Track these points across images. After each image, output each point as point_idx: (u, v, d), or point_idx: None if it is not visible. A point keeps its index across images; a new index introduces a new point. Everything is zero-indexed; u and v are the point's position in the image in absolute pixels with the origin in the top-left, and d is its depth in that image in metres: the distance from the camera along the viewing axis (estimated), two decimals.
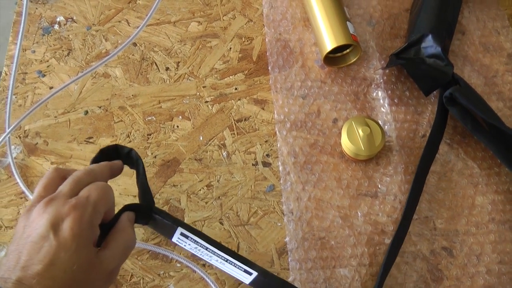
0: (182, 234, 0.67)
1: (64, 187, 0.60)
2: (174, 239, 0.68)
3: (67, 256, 0.54)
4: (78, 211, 0.56)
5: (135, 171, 0.69)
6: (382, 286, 0.71)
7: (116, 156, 0.70)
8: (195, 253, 0.70)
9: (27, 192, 0.79)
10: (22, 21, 0.82)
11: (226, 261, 0.68)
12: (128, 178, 0.80)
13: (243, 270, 0.68)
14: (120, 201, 0.78)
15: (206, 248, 0.67)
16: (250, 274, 0.67)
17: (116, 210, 0.65)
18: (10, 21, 2.33)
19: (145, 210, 0.66)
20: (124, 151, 0.70)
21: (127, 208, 0.66)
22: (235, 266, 0.68)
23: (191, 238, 0.67)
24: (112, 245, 0.60)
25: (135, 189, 0.76)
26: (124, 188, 0.80)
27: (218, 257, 0.68)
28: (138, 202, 0.68)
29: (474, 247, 0.74)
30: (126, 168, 0.78)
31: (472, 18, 0.90)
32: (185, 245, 0.69)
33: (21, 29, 0.82)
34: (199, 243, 0.67)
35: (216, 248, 0.67)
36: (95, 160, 0.68)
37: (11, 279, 0.52)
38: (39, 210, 0.57)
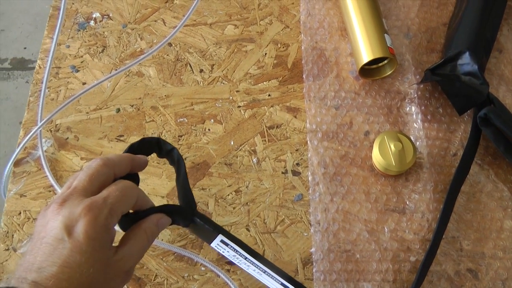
0: (222, 241, 0.67)
1: (79, 182, 0.58)
2: (213, 245, 0.68)
3: (83, 259, 0.53)
4: (92, 213, 0.55)
5: (174, 172, 0.68)
6: None
7: (158, 150, 0.69)
8: (232, 260, 0.70)
9: (55, 186, 0.80)
10: (60, 16, 0.82)
11: (264, 272, 0.68)
12: (157, 179, 0.81)
13: (280, 283, 0.68)
14: None
15: (245, 258, 0.67)
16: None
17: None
18: (41, 11, 2.34)
19: (187, 214, 0.65)
20: (167, 147, 0.68)
21: (168, 208, 0.65)
22: (273, 278, 0.68)
23: (231, 246, 0.67)
24: (131, 244, 0.59)
25: (163, 190, 0.77)
26: (152, 188, 0.80)
27: (256, 267, 0.68)
28: (178, 203, 0.67)
29: (500, 271, 0.74)
30: (155, 168, 0.79)
31: (510, 36, 0.89)
32: (223, 252, 0.69)
33: (58, 24, 0.82)
34: (238, 252, 0.67)
35: (255, 259, 0.67)
36: (132, 147, 0.67)
37: (27, 280, 0.52)
38: (53, 210, 0.56)
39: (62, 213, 0.55)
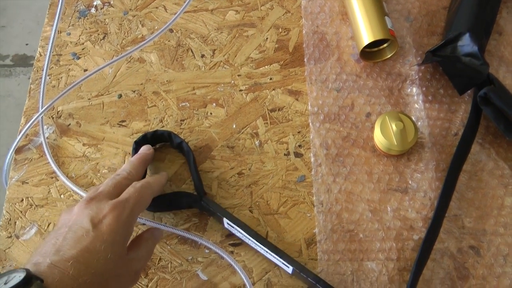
0: (228, 224, 0.73)
1: (105, 188, 0.66)
2: (226, 226, 0.74)
3: (102, 247, 0.58)
4: (117, 210, 0.62)
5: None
6: (416, 286, 0.71)
7: (170, 141, 0.80)
8: (243, 239, 0.74)
9: (58, 172, 0.80)
10: (60, 3, 0.82)
11: (266, 252, 0.71)
12: (160, 163, 0.82)
13: (281, 263, 0.71)
14: None
15: (249, 239, 0.72)
16: (288, 267, 0.70)
17: (169, 191, 0.78)
18: (42, 6, 2.35)
19: (196, 199, 0.76)
20: (177, 140, 0.78)
21: (180, 194, 0.76)
22: (275, 258, 0.71)
23: (236, 229, 0.72)
24: (143, 247, 0.67)
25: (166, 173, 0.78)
26: (156, 172, 0.81)
27: (260, 248, 0.72)
28: (181, 186, 0.79)
29: (501, 247, 0.74)
30: (158, 153, 0.80)
31: (510, 19, 0.89)
32: (235, 232, 0.74)
33: (58, 10, 0.82)
34: (242, 233, 0.72)
35: (256, 240, 0.71)
36: (145, 136, 0.79)
37: (45, 263, 0.55)
38: (81, 206, 0.63)
39: (90, 207, 0.62)
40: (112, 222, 0.61)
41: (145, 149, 0.76)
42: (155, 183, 0.71)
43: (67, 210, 0.65)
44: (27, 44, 2.30)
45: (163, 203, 0.76)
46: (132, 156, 0.78)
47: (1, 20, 2.37)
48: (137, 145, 0.78)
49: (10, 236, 0.78)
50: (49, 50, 0.84)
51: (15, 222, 0.79)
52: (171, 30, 0.91)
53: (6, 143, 2.15)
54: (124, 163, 0.81)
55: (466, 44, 0.80)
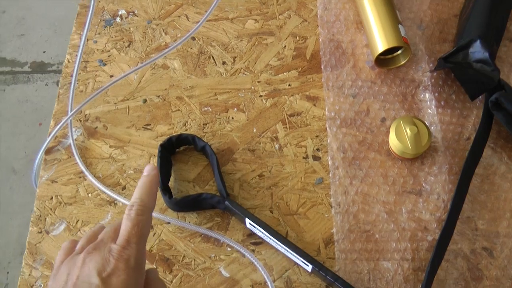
0: (250, 224, 0.75)
1: (105, 234, 0.62)
2: (247, 226, 0.77)
3: None
4: (123, 259, 0.56)
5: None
6: (431, 285, 0.73)
7: (194, 144, 0.82)
8: (263, 238, 0.77)
9: (86, 172, 0.83)
10: (89, 13, 0.85)
11: (287, 251, 0.74)
12: (184, 165, 0.84)
13: (301, 261, 0.73)
14: (176, 186, 0.83)
15: (270, 238, 0.74)
16: (307, 265, 0.73)
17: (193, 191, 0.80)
18: (60, 15, 2.39)
19: (219, 200, 0.77)
20: (200, 143, 0.81)
21: (204, 196, 0.78)
22: (295, 257, 0.74)
23: (257, 228, 0.75)
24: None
25: (189, 175, 0.83)
26: (179, 174, 0.83)
27: (280, 247, 0.75)
28: (203, 187, 0.82)
29: None
30: (181, 155, 0.83)
31: None
32: (257, 232, 0.76)
33: (88, 21, 0.85)
34: (263, 233, 0.75)
35: (277, 240, 0.74)
36: (170, 140, 0.82)
37: None
38: (84, 258, 0.57)
39: (94, 259, 0.57)
40: (123, 275, 0.56)
41: (149, 169, 0.67)
42: (149, 198, 0.64)
43: (68, 261, 0.59)
44: (44, 52, 2.33)
45: (188, 204, 0.79)
46: (157, 163, 0.80)
47: (20, 29, 2.41)
48: (163, 148, 0.81)
49: (41, 232, 0.81)
50: (78, 57, 0.87)
51: (45, 219, 0.81)
52: (193, 38, 0.94)
53: (23, 147, 2.18)
54: (149, 164, 0.83)
55: (477, 50, 0.82)
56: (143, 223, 0.61)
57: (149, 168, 0.67)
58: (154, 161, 0.84)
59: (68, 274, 0.57)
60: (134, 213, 0.60)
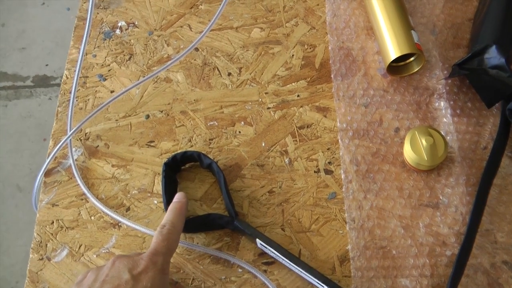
0: (261, 244, 0.73)
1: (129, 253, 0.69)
2: (259, 246, 0.75)
3: None
4: (152, 263, 0.63)
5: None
6: None
7: (199, 161, 0.80)
8: (276, 258, 0.74)
9: (88, 194, 0.81)
10: (87, 26, 0.83)
11: (300, 271, 0.72)
12: (190, 183, 0.82)
13: (315, 281, 0.71)
14: None
15: (283, 259, 0.72)
16: (322, 286, 0.71)
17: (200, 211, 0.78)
18: (61, 27, 2.38)
19: (228, 221, 0.76)
20: (206, 161, 0.79)
21: (213, 217, 0.76)
22: (309, 277, 0.72)
23: (269, 249, 0.73)
24: None
25: (196, 193, 0.81)
26: (186, 192, 0.81)
27: (294, 267, 0.72)
28: (211, 206, 0.80)
29: None
30: (188, 173, 0.80)
31: None
32: (268, 252, 0.74)
33: (85, 34, 0.83)
34: (275, 253, 0.72)
35: (290, 261, 0.72)
36: (175, 157, 0.79)
37: None
38: (113, 261, 0.64)
39: (125, 261, 0.63)
40: (152, 274, 0.62)
41: (180, 197, 0.75)
42: (179, 222, 0.71)
43: (94, 268, 0.65)
44: (47, 65, 2.33)
45: (196, 225, 0.77)
46: (162, 182, 0.79)
47: (21, 42, 2.40)
48: (167, 167, 0.79)
49: (42, 259, 0.78)
50: (76, 73, 0.85)
51: (46, 245, 0.79)
52: (196, 49, 0.91)
53: (27, 163, 2.17)
54: (153, 183, 0.82)
55: (493, 56, 0.80)
56: (172, 241, 0.68)
57: (181, 196, 0.74)
58: (159, 180, 0.82)
59: (96, 275, 0.63)
60: (166, 231, 0.68)
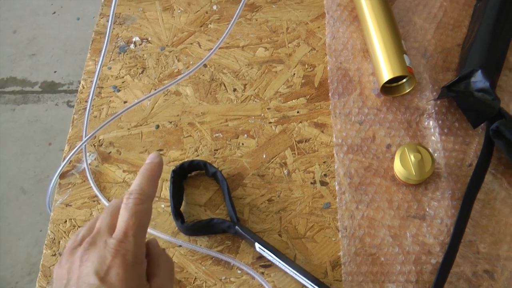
0: (259, 248, 0.77)
1: (102, 222, 0.59)
2: (257, 249, 0.79)
3: None
4: (120, 255, 0.54)
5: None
6: None
7: (205, 170, 0.84)
8: (273, 261, 0.78)
9: (99, 196, 0.85)
10: (106, 41, 0.88)
11: (295, 274, 0.76)
12: (195, 189, 0.86)
13: (309, 284, 0.76)
14: (187, 210, 0.85)
15: (279, 262, 0.77)
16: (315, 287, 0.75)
17: (204, 216, 0.83)
18: (71, 35, 2.42)
19: (230, 225, 0.79)
20: (212, 169, 0.83)
21: (215, 221, 0.79)
22: (303, 280, 0.76)
23: (267, 252, 0.77)
24: (161, 271, 0.59)
25: (201, 199, 0.85)
26: (191, 198, 0.86)
27: (289, 270, 0.77)
28: (215, 211, 0.83)
29: None
30: (193, 180, 0.86)
31: None
32: (266, 255, 0.78)
33: (104, 48, 0.88)
34: (272, 256, 0.77)
35: (286, 263, 0.77)
36: (183, 165, 0.84)
37: None
38: (81, 256, 0.56)
39: (92, 259, 0.55)
40: (120, 271, 0.54)
41: (153, 156, 0.66)
42: (149, 187, 0.61)
43: (66, 258, 0.57)
44: (55, 72, 2.35)
45: (199, 229, 0.81)
46: (169, 188, 0.83)
47: (31, 49, 2.43)
48: (175, 174, 0.83)
49: (54, 254, 0.83)
50: (93, 84, 0.90)
51: (59, 242, 0.83)
52: (205, 65, 0.96)
53: (32, 166, 2.19)
54: (161, 189, 0.86)
55: (478, 80, 0.85)
56: (142, 213, 0.58)
57: (153, 156, 0.65)
58: (166, 186, 0.86)
59: (68, 272, 0.55)
60: (132, 203, 0.58)
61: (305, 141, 0.89)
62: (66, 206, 0.86)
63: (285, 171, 0.87)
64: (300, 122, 0.91)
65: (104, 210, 0.62)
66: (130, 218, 0.57)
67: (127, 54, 0.99)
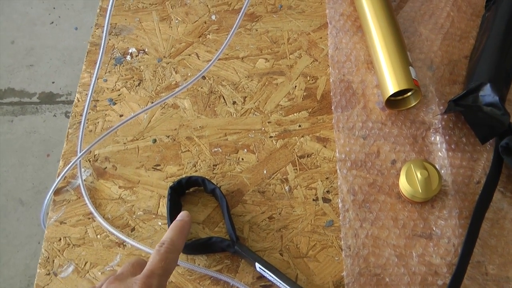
0: (260, 268, 0.75)
1: (125, 268, 0.65)
2: (257, 269, 0.77)
3: None
4: (146, 286, 0.59)
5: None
6: None
7: (203, 186, 0.82)
8: (274, 282, 0.76)
9: (95, 213, 0.83)
10: (101, 52, 0.86)
11: None
12: (193, 206, 0.84)
13: None
14: None
15: (280, 283, 0.74)
16: None
17: (202, 234, 0.80)
18: (69, 46, 2.42)
19: (229, 245, 0.77)
20: (210, 186, 0.81)
21: (214, 240, 0.77)
22: None
23: (267, 272, 0.75)
24: None
25: (199, 217, 0.83)
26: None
27: None
28: (213, 229, 0.81)
29: None
30: (191, 196, 0.83)
31: None
32: (266, 276, 0.76)
33: (98, 60, 0.86)
34: (273, 277, 0.74)
35: (287, 285, 0.74)
36: (180, 182, 0.82)
37: None
38: (106, 286, 0.60)
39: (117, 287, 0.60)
40: None
41: (184, 215, 0.72)
42: (179, 241, 0.68)
43: None
44: (53, 82, 2.35)
45: (197, 247, 0.79)
46: (167, 205, 0.81)
47: (29, 59, 2.43)
48: (172, 190, 0.81)
49: (49, 274, 0.80)
50: (88, 97, 0.87)
51: (53, 261, 0.81)
52: (203, 77, 0.94)
53: (30, 178, 2.19)
54: (158, 206, 0.84)
55: (487, 94, 0.83)
56: (171, 260, 0.64)
57: (184, 215, 0.72)
58: (164, 202, 0.84)
59: None
60: (163, 250, 0.64)
61: (307, 156, 0.87)
62: (61, 223, 0.84)
63: (287, 188, 0.85)
64: (302, 136, 0.88)
65: (124, 263, 0.66)
66: (160, 261, 0.63)
67: (123, 65, 0.97)
